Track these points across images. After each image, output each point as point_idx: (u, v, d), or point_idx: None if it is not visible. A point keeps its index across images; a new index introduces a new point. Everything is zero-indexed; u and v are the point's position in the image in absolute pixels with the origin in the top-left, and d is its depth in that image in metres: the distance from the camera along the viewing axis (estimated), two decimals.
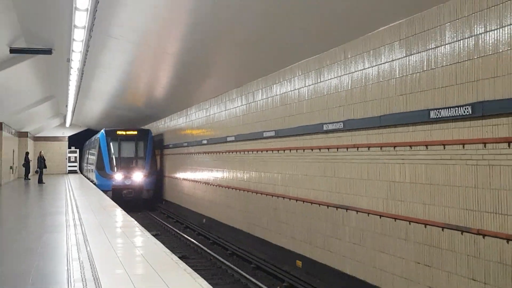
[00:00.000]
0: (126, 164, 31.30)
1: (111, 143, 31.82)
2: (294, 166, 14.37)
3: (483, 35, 8.00)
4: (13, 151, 40.25)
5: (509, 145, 7.55)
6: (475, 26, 8.15)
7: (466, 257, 8.36)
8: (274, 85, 15.52)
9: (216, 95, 21.42)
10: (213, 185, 22.48)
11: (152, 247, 10.81)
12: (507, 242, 7.56)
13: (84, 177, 45.94)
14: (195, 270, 8.90)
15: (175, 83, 21.36)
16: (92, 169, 37.32)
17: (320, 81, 12.77)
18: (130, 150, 31.88)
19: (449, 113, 8.56)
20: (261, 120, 16.58)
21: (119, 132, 32.22)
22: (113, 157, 31.52)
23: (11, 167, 38.53)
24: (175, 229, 22.81)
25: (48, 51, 16.97)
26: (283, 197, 14.95)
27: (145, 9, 12.83)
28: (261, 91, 16.57)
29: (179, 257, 10.20)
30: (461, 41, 8.42)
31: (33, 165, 42.77)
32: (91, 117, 42.60)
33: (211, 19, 12.63)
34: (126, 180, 30.63)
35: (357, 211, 11.29)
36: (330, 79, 12.31)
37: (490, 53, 7.87)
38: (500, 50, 7.70)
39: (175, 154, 29.54)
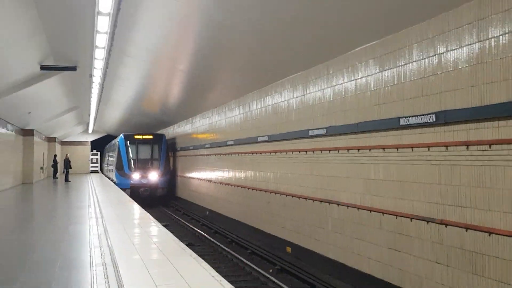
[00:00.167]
0: (143, 165, 30.72)
1: (129, 146, 31.30)
2: (284, 166, 14.39)
3: (445, 54, 8.08)
4: (43, 154, 40.18)
5: (467, 148, 7.61)
6: (438, 46, 8.22)
7: (431, 243, 8.41)
8: (267, 97, 15.54)
9: (218, 106, 21.44)
10: (215, 182, 22.48)
11: (163, 236, 10.81)
12: (466, 231, 7.62)
13: (104, 176, 45.80)
14: (200, 256, 8.90)
15: (184, 94, 21.38)
16: (112, 169, 36.76)
17: (307, 93, 12.80)
18: (146, 152, 31.24)
19: (417, 121, 8.62)
20: (256, 126, 16.59)
21: (136, 136, 31.64)
22: (131, 158, 30.95)
23: (41, 168, 38.46)
24: (183, 220, 22.77)
25: (73, 68, 17.00)
26: (275, 193, 14.97)
27: (158, 32, 12.87)
28: (256, 102, 16.59)
29: (186, 245, 10.21)
30: (426, 59, 8.48)
31: (60, 166, 42.71)
32: (110, 124, 42.53)
33: (214, 40, 12.69)
34: (143, 179, 30.03)
35: (338, 204, 11.32)
36: (315, 91, 12.34)
37: (451, 70, 7.94)
38: (460, 67, 7.77)
39: (184, 156, 29.49)
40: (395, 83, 9.27)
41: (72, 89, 23.59)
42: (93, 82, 19.42)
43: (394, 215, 9.33)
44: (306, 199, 12.91)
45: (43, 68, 16.68)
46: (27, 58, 15.66)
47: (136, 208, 17.12)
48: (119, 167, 31.25)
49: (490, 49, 7.20)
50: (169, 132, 33.63)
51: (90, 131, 48.00)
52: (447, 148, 8.02)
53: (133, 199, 21.43)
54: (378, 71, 9.79)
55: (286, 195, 14.15)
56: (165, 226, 14.05)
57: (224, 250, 15.37)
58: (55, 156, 41.40)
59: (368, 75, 10.12)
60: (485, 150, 7.30)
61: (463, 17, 7.68)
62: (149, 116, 31.13)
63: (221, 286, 6.50)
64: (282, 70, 13.70)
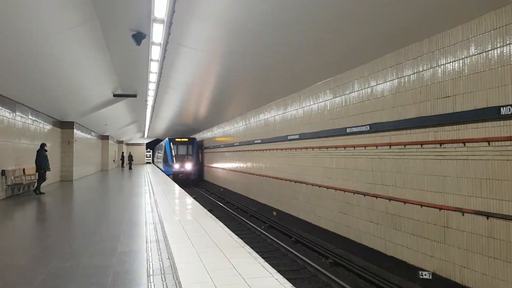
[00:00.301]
0: (181, 158, 30.17)
1: (172, 146, 30.81)
2: (271, 159, 14.42)
3: (375, 86, 8.12)
4: (115, 152, 40.17)
5: (390, 147, 7.66)
6: (371, 81, 8.27)
7: (366, 209, 8.46)
8: (261, 114, 15.58)
9: (229, 119, 21.48)
10: (227, 170, 22.51)
11: (193, 204, 10.85)
12: (389, 201, 7.66)
13: (155, 166, 45.78)
14: (217, 217, 8.95)
15: (207, 112, 21.36)
16: (160, 161, 36.32)
17: (286, 112, 12.83)
18: (184, 150, 30.67)
19: (357, 129, 8.67)
20: (253, 133, 16.62)
21: (177, 139, 31.22)
22: (173, 154, 30.39)
23: (113, 160, 38.45)
24: (206, 195, 22.81)
25: (134, 96, 17.01)
26: (266, 176, 15.01)
27: (189, 72, 12.89)
28: (254, 117, 16.62)
29: (208, 210, 10.26)
30: (363, 89, 8.53)
31: (126, 159, 42.85)
32: (158, 131, 42.32)
33: (225, 78, 12.68)
34: (181, 168, 29.68)
35: (306, 183, 11.36)
36: (291, 111, 12.38)
37: (379, 96, 7.99)
38: (385, 95, 7.82)
39: (208, 152, 29.41)
40: (343, 105, 9.32)
41: (134, 109, 23.63)
42: (147, 105, 19.46)
43: (342, 190, 9.38)
44: (285, 180, 12.94)
45: (115, 95, 16.71)
46: (104, 89, 15.69)
47: (175, 186, 17.15)
48: (165, 160, 30.94)
49: (404, 83, 7.26)
50: (198, 136, 33.55)
51: (145, 136, 47.94)
52: (377, 147, 8.07)
53: (174, 181, 21.45)
54: (332, 97, 9.85)
55: (273, 177, 14.18)
56: (194, 198, 14.08)
57: (232, 213, 15.42)
58: (123, 153, 41.52)
59: (326, 100, 10.17)
60: (401, 149, 7.35)
61: (387, 63, 7.74)
62: (185, 126, 30.98)
63: (231, 237, 6.54)
64: (271, 96, 13.73)
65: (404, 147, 7.23)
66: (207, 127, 28.30)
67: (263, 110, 15.21)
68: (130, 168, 36.05)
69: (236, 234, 6.83)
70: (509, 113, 5.20)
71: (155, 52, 9.84)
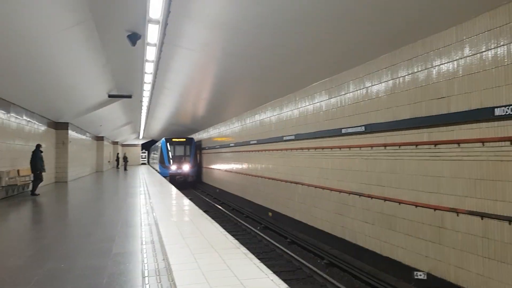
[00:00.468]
0: (179, 159, 28.91)
1: (169, 146, 29.55)
2: (267, 160, 14.41)
3: (370, 87, 8.14)
4: (110, 152, 40.06)
5: (385, 148, 7.67)
6: (366, 82, 8.28)
7: (362, 210, 8.47)
8: (256, 115, 15.57)
9: (224, 120, 21.45)
10: (222, 170, 22.48)
11: (188, 205, 10.83)
12: (384, 201, 7.68)
13: (150, 167, 45.64)
14: (212, 218, 8.93)
15: (204, 112, 21.33)
16: (156, 162, 35.16)
17: (282, 113, 12.84)
18: (181, 151, 29.40)
19: (352, 130, 8.68)
20: (249, 134, 16.60)
21: (174, 139, 29.95)
22: (170, 155, 29.14)
23: (108, 161, 38.34)
24: (201, 195, 22.76)
25: (129, 96, 16.96)
26: (261, 177, 15.00)
27: (185, 73, 12.85)
28: (249, 118, 16.61)
29: (203, 211, 10.23)
30: (358, 90, 8.54)
31: (121, 160, 42.75)
32: (154, 132, 42.24)
33: (222, 80, 12.67)
34: (178, 169, 28.39)
35: (302, 184, 11.36)
36: (287, 111, 12.38)
37: (374, 97, 8.00)
38: (380, 96, 7.83)
39: (204, 153, 29.25)
40: (339, 106, 9.33)
41: (129, 110, 23.58)
42: (142, 105, 19.41)
43: (338, 191, 9.38)
44: (281, 181, 12.93)
45: (110, 96, 16.65)
46: (99, 90, 15.63)
47: (171, 187, 17.11)
48: (162, 161, 29.67)
49: (399, 84, 7.28)
50: (195, 137, 33.35)
51: (140, 137, 47.83)
52: (372, 148, 8.08)
53: (171, 183, 21.23)
54: (328, 98, 9.85)
55: (268, 178, 14.17)
56: (190, 199, 14.03)
57: (228, 214, 15.39)
58: (118, 154, 41.46)
59: (321, 101, 10.17)
60: (396, 149, 7.37)
61: (382, 64, 7.76)
62: (181, 126, 30.26)
63: (227, 238, 6.53)
64: (265, 97, 13.74)
65: (399, 147, 7.25)
66: (205, 127, 28.22)
67: (259, 111, 15.20)
68: (125, 169, 35.96)
69: (231, 235, 6.82)
70: (503, 113, 5.23)
71: (151, 53, 9.81)
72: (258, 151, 15.30)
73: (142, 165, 52.37)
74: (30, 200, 12.21)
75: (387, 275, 7.45)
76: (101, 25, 8.97)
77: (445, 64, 6.23)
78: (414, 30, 6.52)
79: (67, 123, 19.68)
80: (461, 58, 5.95)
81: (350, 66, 8.72)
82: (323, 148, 10.05)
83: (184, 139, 30.21)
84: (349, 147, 8.83)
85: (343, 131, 8.99)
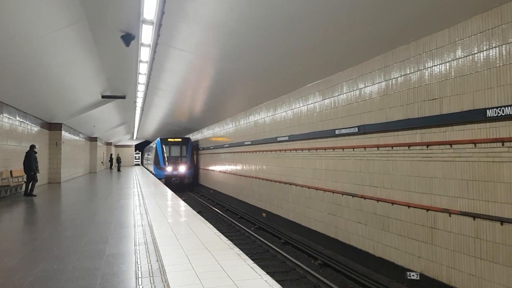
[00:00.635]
0: (174, 160, 27.57)
1: (164, 146, 28.17)
2: (261, 161, 14.41)
3: (363, 88, 8.16)
4: (103, 153, 39.85)
5: (378, 149, 7.70)
6: (359, 83, 8.30)
7: (355, 210, 8.49)
8: (251, 115, 15.57)
9: (219, 121, 21.42)
10: (218, 171, 22.44)
11: (183, 207, 10.77)
12: (377, 202, 7.70)
13: (144, 168, 45.40)
14: (206, 219, 8.90)
15: (198, 113, 21.30)
16: (150, 164, 33.87)
17: (276, 114, 12.84)
18: (177, 151, 28.02)
19: (346, 131, 8.70)
20: (243, 135, 16.59)
21: (169, 139, 28.53)
22: (166, 156, 27.81)
23: (102, 162, 38.13)
24: (195, 196, 22.70)
25: (123, 97, 16.89)
26: (255, 178, 14.99)
27: (180, 74, 12.81)
28: (244, 119, 16.60)
29: (197, 212, 10.19)
30: (352, 91, 8.56)
31: (115, 161, 42.51)
32: (148, 133, 42.12)
33: (219, 81, 12.65)
34: (174, 171, 27.07)
35: (296, 185, 11.37)
36: (281, 112, 12.39)
37: (367, 99, 8.02)
38: (373, 97, 7.86)
39: (200, 154, 29.08)
40: (332, 107, 9.35)
41: (123, 110, 23.48)
42: (136, 106, 19.33)
43: (331, 192, 9.40)
44: (275, 182, 12.93)
45: (103, 97, 16.57)
46: (92, 90, 15.55)
47: (165, 188, 17.03)
48: (157, 162, 28.29)
49: (392, 86, 7.31)
50: (193, 136, 33.02)
51: (134, 138, 47.67)
52: (365, 149, 8.11)
53: (166, 186, 20.86)
54: (321, 99, 9.87)
55: (262, 179, 14.16)
56: (184, 200, 13.99)
57: (222, 215, 15.35)
58: (111, 155, 41.23)
59: (315, 102, 10.19)
60: (389, 150, 7.39)
61: (375, 65, 7.79)
62: (176, 125, 29.53)
63: (220, 239, 6.50)
64: (259, 98, 13.75)
65: (392, 148, 7.27)
66: (199, 128, 28.14)
67: (253, 112, 15.20)
68: (118, 170, 35.75)
69: (225, 236, 6.79)
70: (495, 115, 5.26)
71: (145, 54, 9.78)
72: (252, 152, 15.28)
73: (136, 166, 52.16)
74: (23, 201, 12.09)
75: (380, 276, 7.47)
76: (95, 26, 8.92)
77: (438, 66, 6.26)
78: (407, 32, 6.55)
79: (61, 123, 19.54)
80: (453, 60, 5.98)
81: (343, 67, 8.74)
82: (316, 149, 10.06)
83: (180, 139, 28.89)
84: (343, 148, 8.85)
85: (337, 132, 9.01)
